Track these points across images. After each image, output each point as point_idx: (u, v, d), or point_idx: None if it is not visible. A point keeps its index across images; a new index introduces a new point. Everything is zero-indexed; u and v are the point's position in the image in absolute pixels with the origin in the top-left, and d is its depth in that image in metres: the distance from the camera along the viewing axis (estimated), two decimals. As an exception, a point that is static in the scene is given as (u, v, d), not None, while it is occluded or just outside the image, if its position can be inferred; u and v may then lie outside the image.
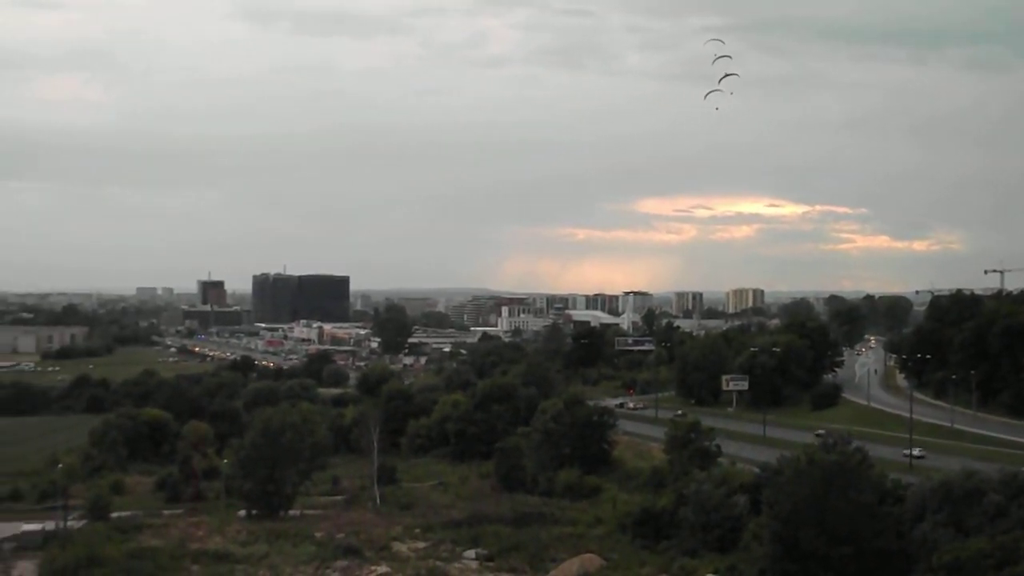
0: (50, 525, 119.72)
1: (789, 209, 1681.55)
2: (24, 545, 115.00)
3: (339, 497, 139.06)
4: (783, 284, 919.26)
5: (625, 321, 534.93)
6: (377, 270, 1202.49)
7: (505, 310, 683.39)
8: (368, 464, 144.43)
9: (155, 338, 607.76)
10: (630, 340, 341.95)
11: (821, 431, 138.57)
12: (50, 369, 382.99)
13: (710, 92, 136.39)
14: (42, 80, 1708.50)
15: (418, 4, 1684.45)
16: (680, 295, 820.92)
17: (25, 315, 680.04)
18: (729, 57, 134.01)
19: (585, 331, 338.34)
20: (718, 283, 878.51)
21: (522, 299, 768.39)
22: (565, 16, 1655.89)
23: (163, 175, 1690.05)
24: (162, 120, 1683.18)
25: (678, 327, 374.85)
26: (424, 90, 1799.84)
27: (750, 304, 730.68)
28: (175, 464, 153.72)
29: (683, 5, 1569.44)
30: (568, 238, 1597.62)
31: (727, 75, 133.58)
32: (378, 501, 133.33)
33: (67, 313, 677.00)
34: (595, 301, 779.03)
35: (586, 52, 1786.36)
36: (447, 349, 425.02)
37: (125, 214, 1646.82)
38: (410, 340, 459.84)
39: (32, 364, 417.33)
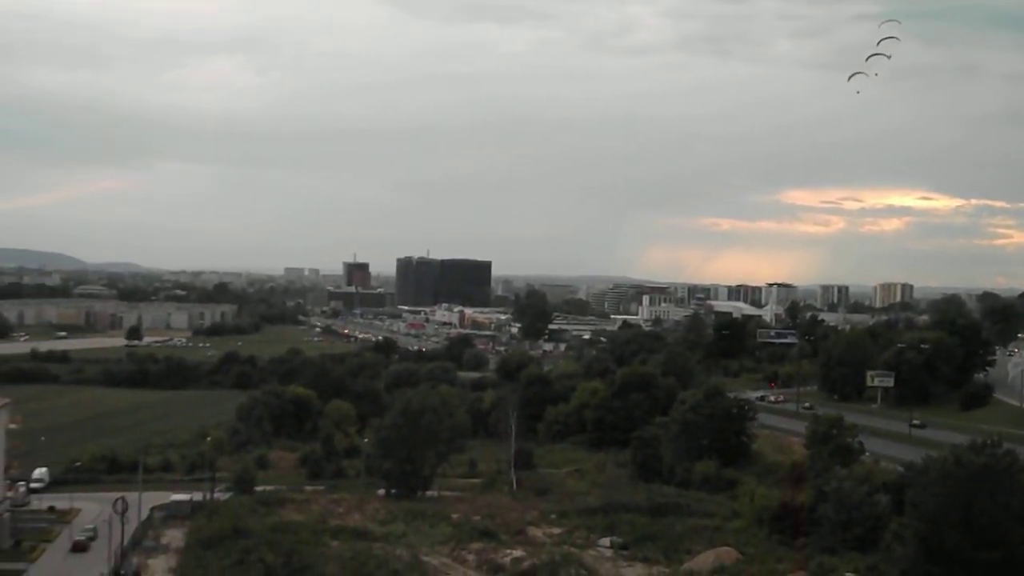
0: (198, 496, 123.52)
1: (942, 202, 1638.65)
2: (173, 514, 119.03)
3: (476, 480, 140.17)
4: (934, 279, 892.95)
5: (768, 313, 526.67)
6: (519, 256, 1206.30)
7: (646, 299, 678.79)
8: (505, 448, 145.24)
9: (301, 317, 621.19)
10: (772, 332, 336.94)
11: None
12: (201, 345, 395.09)
13: (853, 75, 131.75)
14: (197, 65, 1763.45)
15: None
16: (825, 288, 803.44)
17: (179, 292, 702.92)
18: (896, 38, 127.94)
19: (727, 322, 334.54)
20: (865, 277, 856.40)
21: (664, 288, 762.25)
22: (716, 3, 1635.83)
23: (313, 158, 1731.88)
24: (312, 104, 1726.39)
25: (822, 320, 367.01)
26: (569, 77, 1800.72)
27: (898, 299, 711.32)
28: (317, 441, 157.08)
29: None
30: (712, 228, 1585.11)
31: (874, 55, 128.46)
32: (514, 485, 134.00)
33: (218, 291, 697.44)
34: (737, 292, 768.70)
35: (736, 40, 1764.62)
36: (587, 336, 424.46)
37: (275, 196, 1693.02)
38: (550, 326, 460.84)
39: (184, 340, 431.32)
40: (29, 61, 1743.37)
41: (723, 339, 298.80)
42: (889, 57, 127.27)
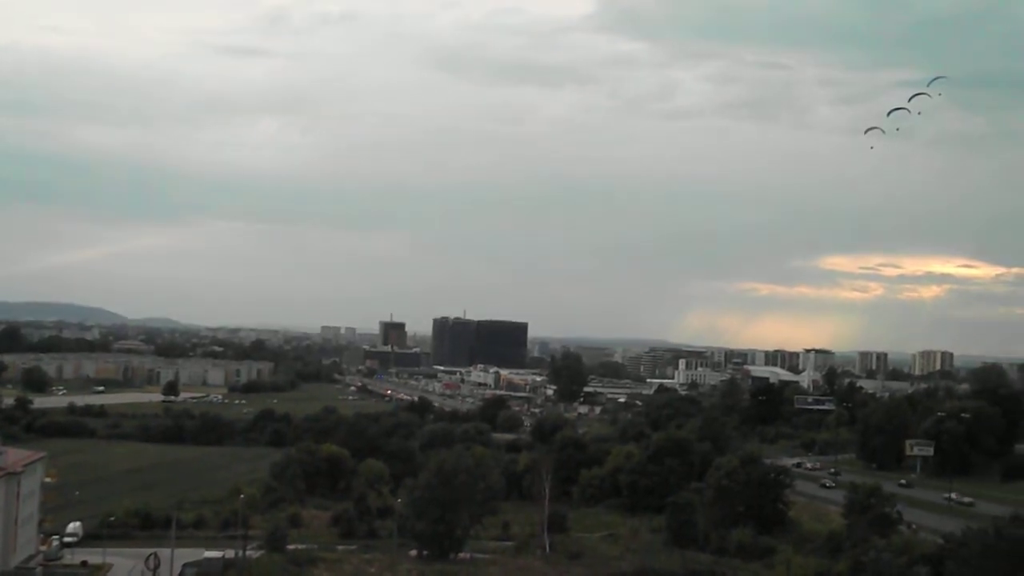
0: (230, 553, 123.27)
1: (983, 270, 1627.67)
2: (205, 571, 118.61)
3: (509, 543, 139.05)
4: (974, 348, 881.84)
5: (805, 379, 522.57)
6: (555, 318, 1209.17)
7: (683, 363, 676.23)
8: (539, 511, 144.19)
9: (337, 376, 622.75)
10: (810, 399, 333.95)
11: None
12: (236, 402, 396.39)
13: (869, 129, 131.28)
14: (243, 125, 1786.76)
15: (608, 55, 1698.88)
16: (864, 355, 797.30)
17: (216, 348, 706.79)
18: (927, 94, 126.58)
19: (764, 387, 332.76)
20: (904, 344, 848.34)
21: (700, 352, 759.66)
22: (758, 69, 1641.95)
23: (352, 216, 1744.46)
24: (353, 163, 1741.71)
25: (860, 387, 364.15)
26: (611, 140, 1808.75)
27: (938, 367, 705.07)
28: (350, 500, 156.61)
29: (880, 59, 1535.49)
30: (750, 293, 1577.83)
31: (897, 109, 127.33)
32: (547, 549, 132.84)
33: (255, 348, 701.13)
34: (775, 357, 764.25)
35: (777, 105, 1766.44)
36: (622, 399, 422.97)
37: (314, 254, 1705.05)
38: (585, 389, 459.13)
39: (220, 396, 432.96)
40: (78, 119, 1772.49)
41: (760, 405, 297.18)
42: (919, 113, 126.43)
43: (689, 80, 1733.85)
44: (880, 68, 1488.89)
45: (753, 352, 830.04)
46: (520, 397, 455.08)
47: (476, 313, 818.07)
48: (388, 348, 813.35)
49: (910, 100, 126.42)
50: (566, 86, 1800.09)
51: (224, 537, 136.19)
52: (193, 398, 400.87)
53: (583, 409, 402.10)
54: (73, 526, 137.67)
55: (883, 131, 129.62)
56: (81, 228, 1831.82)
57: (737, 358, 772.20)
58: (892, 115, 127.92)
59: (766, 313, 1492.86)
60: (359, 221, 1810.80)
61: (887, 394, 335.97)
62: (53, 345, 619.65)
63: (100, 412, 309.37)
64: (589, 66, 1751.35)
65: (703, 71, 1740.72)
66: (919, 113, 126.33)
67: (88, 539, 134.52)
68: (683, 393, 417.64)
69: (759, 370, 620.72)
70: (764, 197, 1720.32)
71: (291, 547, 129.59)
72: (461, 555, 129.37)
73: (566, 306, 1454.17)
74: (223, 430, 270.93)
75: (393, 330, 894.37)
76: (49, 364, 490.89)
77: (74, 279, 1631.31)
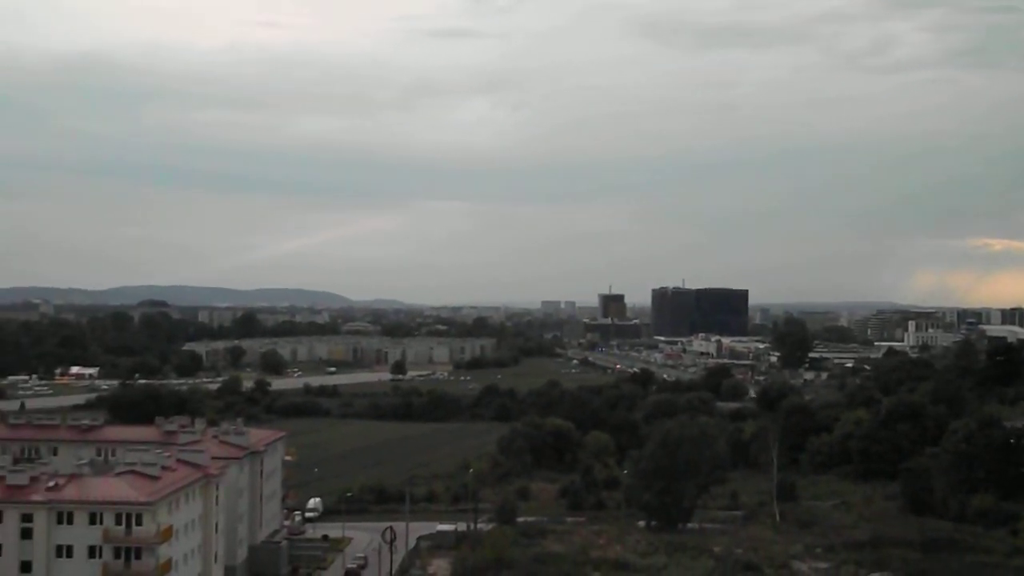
0: (462, 526, 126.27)
1: None
2: (439, 544, 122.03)
3: (737, 512, 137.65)
4: None
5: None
6: (776, 284, 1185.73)
7: (912, 324, 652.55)
8: (767, 480, 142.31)
9: (558, 350, 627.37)
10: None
11: None
12: (462, 378, 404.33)
13: None
14: (455, 107, 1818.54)
15: (820, 10, 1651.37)
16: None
17: (440, 327, 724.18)
18: None
19: (1001, 347, 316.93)
20: None
21: (930, 313, 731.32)
22: (983, 14, 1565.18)
23: (567, 191, 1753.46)
24: (566, 138, 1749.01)
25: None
26: (825, 99, 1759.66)
27: None
28: (577, 472, 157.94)
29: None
30: (982, 249, 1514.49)
31: None
32: (777, 518, 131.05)
33: (478, 325, 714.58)
34: (1012, 315, 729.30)
35: (1004, 50, 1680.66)
36: (849, 364, 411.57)
37: (531, 230, 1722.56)
38: (810, 355, 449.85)
39: (446, 373, 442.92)
40: (300, 111, 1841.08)
41: (997, 365, 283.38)
42: None
43: (906, 31, 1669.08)
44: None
45: (988, 311, 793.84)
46: (743, 365, 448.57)
47: (695, 282, 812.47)
48: (608, 320, 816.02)
49: None
50: (777, 46, 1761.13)
51: (455, 510, 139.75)
52: (420, 376, 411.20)
53: (809, 375, 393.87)
54: (314, 502, 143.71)
55: None
56: (305, 216, 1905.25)
57: (971, 318, 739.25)
58: None
59: (1001, 270, 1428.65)
60: (574, 195, 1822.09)
61: None
62: (287, 329, 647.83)
63: (333, 392, 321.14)
64: (800, 23, 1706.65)
65: (921, 21, 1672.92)
66: None
67: (328, 514, 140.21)
68: (914, 356, 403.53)
69: (995, 329, 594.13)
70: (992, 148, 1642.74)
71: (521, 519, 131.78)
72: (689, 525, 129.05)
73: (787, 271, 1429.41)
74: (450, 406, 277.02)
75: (612, 302, 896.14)
76: (284, 347, 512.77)
77: (302, 265, 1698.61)
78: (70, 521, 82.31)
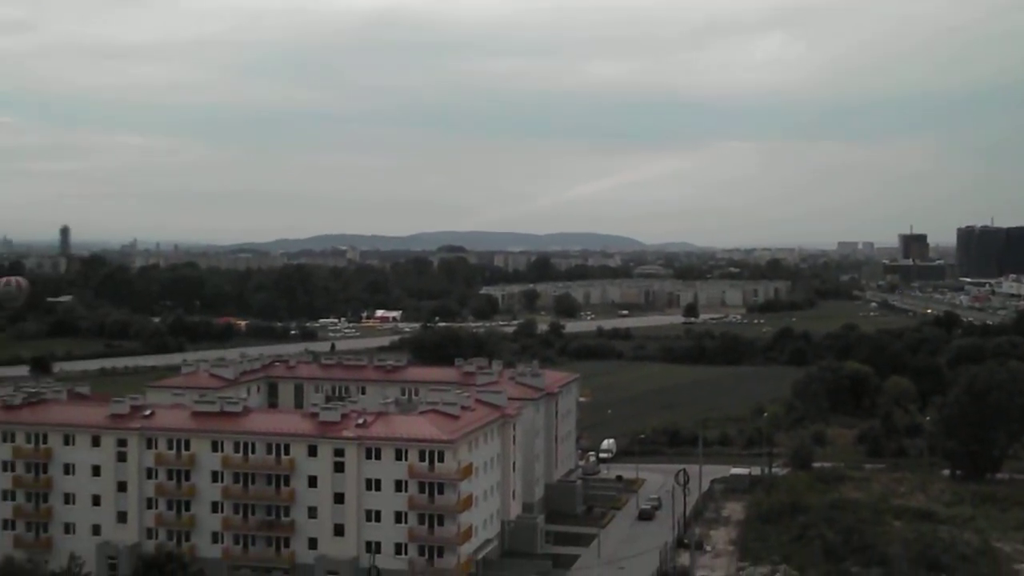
0: (756, 470, 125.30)
1: None
2: (732, 487, 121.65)
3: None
4: None
5: None
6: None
7: None
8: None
9: (856, 292, 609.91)
10: None
11: None
12: (755, 321, 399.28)
13: None
14: (744, 45, 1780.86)
15: None
16: None
17: (732, 270, 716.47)
18: None
19: None
20: None
21: None
22: None
23: (863, 129, 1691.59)
24: (861, 74, 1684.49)
25: None
26: None
27: None
28: (876, 418, 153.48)
29: None
30: None
31: None
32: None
33: (771, 268, 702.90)
34: None
35: None
36: None
37: (826, 169, 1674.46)
38: None
39: (738, 316, 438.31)
40: (590, 55, 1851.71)
41: None
42: None
43: None
44: None
45: None
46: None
47: (1005, 220, 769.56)
48: (909, 261, 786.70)
49: None
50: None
51: (749, 454, 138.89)
52: (712, 319, 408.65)
53: None
54: (607, 443, 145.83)
55: None
56: (599, 160, 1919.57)
57: None
58: None
59: None
60: (871, 132, 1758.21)
61: None
62: (580, 273, 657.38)
63: (625, 335, 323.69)
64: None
65: None
66: None
67: (621, 455, 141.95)
68: None
69: None
70: None
71: (816, 465, 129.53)
72: (999, 475, 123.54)
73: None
74: (743, 350, 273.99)
75: (914, 242, 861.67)
76: (577, 291, 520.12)
77: (594, 209, 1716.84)
78: (378, 456, 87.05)
